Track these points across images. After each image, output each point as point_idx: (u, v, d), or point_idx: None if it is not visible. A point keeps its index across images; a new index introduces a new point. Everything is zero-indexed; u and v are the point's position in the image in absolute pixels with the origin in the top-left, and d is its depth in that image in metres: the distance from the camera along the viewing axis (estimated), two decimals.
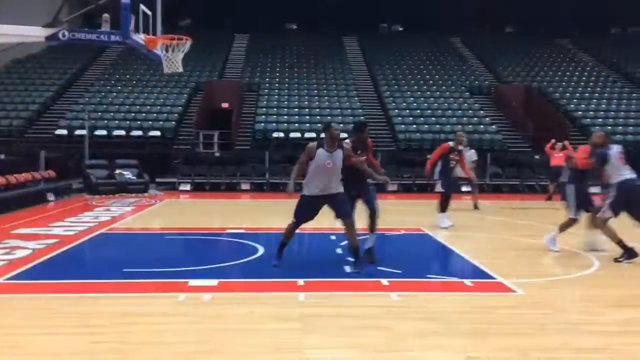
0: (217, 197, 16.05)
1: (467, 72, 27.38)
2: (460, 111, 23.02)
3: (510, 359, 3.92)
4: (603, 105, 23.78)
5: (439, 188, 10.49)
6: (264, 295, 5.49)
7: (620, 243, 7.04)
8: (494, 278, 6.24)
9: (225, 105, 23.22)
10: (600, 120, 22.45)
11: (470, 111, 23.12)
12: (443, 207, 10.08)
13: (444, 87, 25.32)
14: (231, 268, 6.70)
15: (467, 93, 24.81)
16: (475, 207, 13.12)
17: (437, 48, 30.17)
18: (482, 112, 23.13)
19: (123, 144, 19.74)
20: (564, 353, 4.04)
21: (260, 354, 3.95)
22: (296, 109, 22.86)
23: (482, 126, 21.74)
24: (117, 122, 21.13)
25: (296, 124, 21.46)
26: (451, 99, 24.16)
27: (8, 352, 3.94)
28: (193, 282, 5.82)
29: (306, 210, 6.40)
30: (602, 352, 4.07)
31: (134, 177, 16.37)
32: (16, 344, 4.08)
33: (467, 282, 6.02)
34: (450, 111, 22.95)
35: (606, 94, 24.81)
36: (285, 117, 22.19)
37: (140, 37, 9.12)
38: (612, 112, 23.12)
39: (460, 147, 10.32)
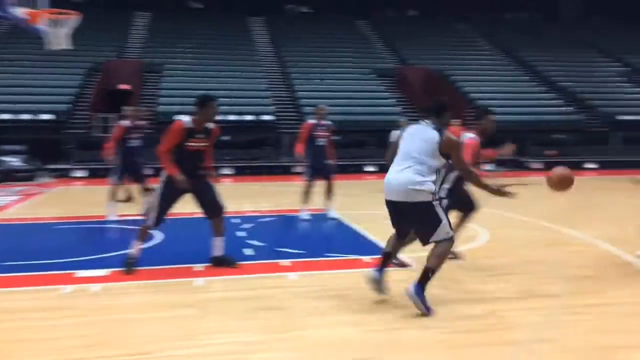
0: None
1: (372, 55, 27.87)
2: (366, 93, 23.44)
3: (400, 330, 4.02)
4: (497, 87, 25.13)
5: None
6: (159, 282, 5.27)
7: None
8: None
9: (124, 86, 22.10)
10: (496, 102, 23.71)
11: (375, 93, 23.60)
12: (306, 197, 8.81)
13: (350, 69, 25.62)
14: (125, 256, 6.37)
15: (372, 75, 25.28)
16: None
17: (344, 30, 30.44)
18: (387, 94, 23.68)
19: (10, 128, 18.25)
20: (453, 322, 4.20)
21: (153, 342, 3.78)
22: (202, 91, 22.10)
23: (386, 107, 22.27)
24: (2, 104, 19.48)
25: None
26: (357, 80, 24.52)
27: None
28: (81, 273, 5.48)
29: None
30: (487, 318, 4.28)
31: (22, 164, 15.19)
32: None
33: (366, 258, 6.12)
34: (356, 93, 23.29)
35: (500, 77, 26.23)
36: (191, 99, 21.30)
37: (21, 11, 8.42)
38: (506, 94, 24.48)
39: (324, 122, 9.04)
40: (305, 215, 8.82)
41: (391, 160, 4.57)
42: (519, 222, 8.47)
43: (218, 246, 5.77)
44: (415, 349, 3.71)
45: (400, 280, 5.33)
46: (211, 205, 5.72)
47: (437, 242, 4.39)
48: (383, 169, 18.75)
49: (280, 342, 3.81)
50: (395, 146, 4.66)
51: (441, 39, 30.19)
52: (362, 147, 19.58)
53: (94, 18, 26.34)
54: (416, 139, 4.43)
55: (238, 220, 8.22)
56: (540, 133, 21.17)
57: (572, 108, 23.31)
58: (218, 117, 17.78)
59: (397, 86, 25.20)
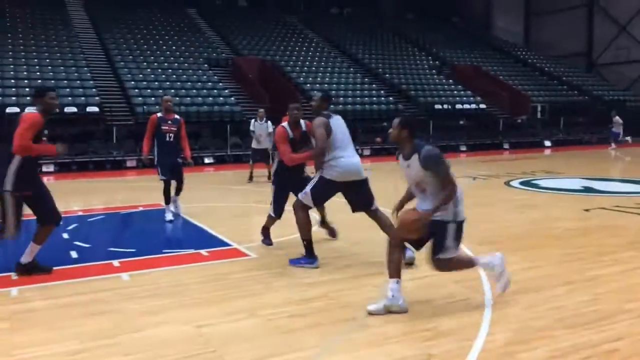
0: None
1: (204, 44, 27.35)
2: (199, 83, 22.94)
3: (238, 321, 4.08)
4: (327, 79, 26.27)
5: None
6: None
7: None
8: (229, 245, 6.43)
9: None
10: (324, 91, 24.78)
11: (209, 83, 23.22)
12: (166, 197, 8.05)
13: (182, 59, 24.85)
14: None
15: (205, 65, 24.83)
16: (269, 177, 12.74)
17: (173, 18, 29.41)
18: (221, 84, 23.44)
19: None
20: (288, 307, 4.36)
21: None
22: (12, 80, 19.96)
23: (221, 98, 22.07)
24: None
25: (12, 97, 18.77)
26: (190, 70, 23.89)
27: None
28: None
29: None
30: (321, 300, 4.51)
31: None
32: None
33: (204, 252, 6.07)
34: (189, 83, 22.69)
35: (329, 68, 27.45)
36: None
37: None
38: (335, 85, 25.71)
39: (175, 116, 8.01)
40: (169, 216, 8.03)
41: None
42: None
43: (28, 252, 5.26)
44: (253, 338, 3.78)
45: (241, 270, 5.39)
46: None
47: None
48: (220, 161, 18.66)
49: (110, 347, 3.63)
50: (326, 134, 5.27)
51: (273, 30, 30.67)
52: (197, 139, 19.18)
53: None
54: (345, 128, 5.50)
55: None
56: (367, 121, 22.65)
57: (392, 98, 25.24)
58: (34, 109, 16.03)
59: (231, 76, 25.08)
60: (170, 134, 7.87)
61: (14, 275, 5.19)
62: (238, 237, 6.81)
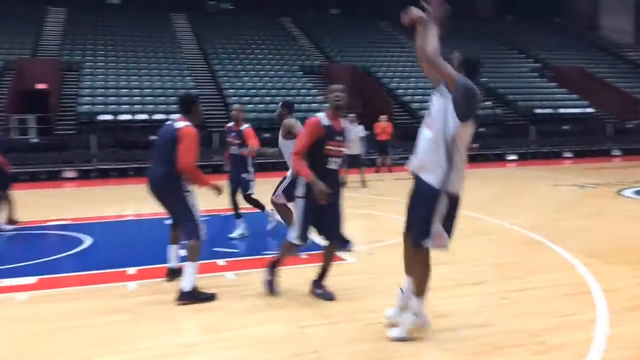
0: (36, 187, 14.56)
1: (298, 52, 28.00)
2: (294, 90, 23.52)
3: (339, 323, 4.13)
4: (421, 84, 25.94)
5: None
6: (89, 288, 5.11)
7: None
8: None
9: (41, 85, 20.98)
10: (419, 97, 24.47)
11: (303, 90, 23.74)
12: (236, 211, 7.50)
13: (277, 67, 25.61)
14: (53, 263, 6.13)
15: (299, 72, 25.41)
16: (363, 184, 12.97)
17: (269, 27, 30.36)
18: (314, 90, 23.87)
19: None
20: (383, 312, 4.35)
21: (84, 351, 3.68)
22: (125, 90, 21.50)
23: (315, 104, 22.45)
24: None
25: (126, 105, 20.21)
26: (285, 78, 24.56)
27: None
28: (5, 282, 5.22)
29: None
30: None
31: None
32: None
33: (303, 255, 6.19)
34: (284, 90, 23.32)
35: (423, 74, 27.04)
36: (113, 98, 20.75)
37: None
38: (429, 90, 25.31)
39: (245, 126, 7.39)
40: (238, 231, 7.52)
41: None
42: None
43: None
44: (352, 342, 3.82)
45: (340, 274, 5.47)
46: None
47: None
48: None
49: (219, 342, 3.82)
50: None
51: (364, 36, 30.78)
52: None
53: (3, 14, 24.87)
54: None
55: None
56: None
57: (490, 103, 24.44)
58: (143, 117, 17.33)
59: (324, 83, 25.45)
60: (234, 146, 7.38)
61: (129, 271, 5.58)
62: None
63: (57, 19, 28.20)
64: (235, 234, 7.34)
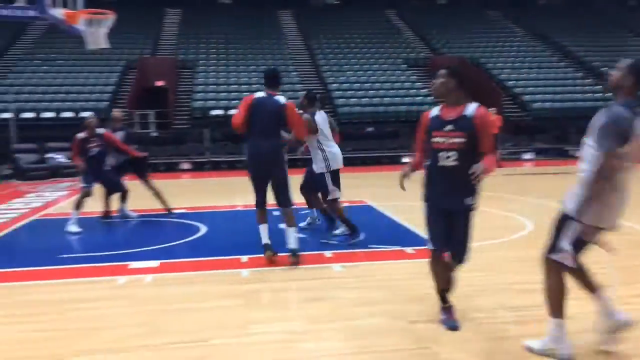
0: (156, 177, 15.60)
1: (403, 45, 27.67)
2: (398, 83, 23.32)
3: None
4: (533, 74, 24.67)
5: None
6: (206, 273, 5.43)
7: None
8: None
9: (160, 82, 22.51)
10: (530, 88, 23.29)
11: (407, 83, 23.46)
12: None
13: (381, 60, 25.51)
14: (173, 248, 6.58)
15: (404, 65, 25.12)
16: None
17: (373, 21, 30.29)
18: (419, 83, 23.50)
19: (54, 126, 18.82)
20: (499, 312, 4.22)
21: (204, 331, 3.92)
22: (235, 85, 22.48)
23: (419, 98, 22.12)
24: (45, 103, 20.11)
25: (236, 101, 21.11)
26: (388, 71, 24.41)
27: None
28: (134, 265, 5.69)
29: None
30: (531, 309, 4.25)
31: (67, 160, 15.68)
32: None
33: (409, 249, 6.16)
34: (388, 84, 23.19)
35: (536, 64, 25.72)
36: (224, 94, 21.78)
37: (59, 12, 8.67)
38: (542, 81, 24.01)
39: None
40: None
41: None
42: None
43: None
44: (465, 340, 3.74)
45: None
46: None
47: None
48: None
49: (329, 331, 3.90)
50: None
51: (472, 26, 29.76)
52: (395, 138, 19.50)
53: (127, 16, 26.88)
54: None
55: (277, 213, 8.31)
56: (581, 120, 20.69)
57: (611, 93, 22.69)
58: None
59: (429, 76, 24.96)
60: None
61: (243, 259, 5.84)
62: None
63: (173, 20, 30.06)
64: (338, 231, 7.20)
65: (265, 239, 5.67)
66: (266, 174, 5.57)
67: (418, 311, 4.26)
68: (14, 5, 8.36)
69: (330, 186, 6.43)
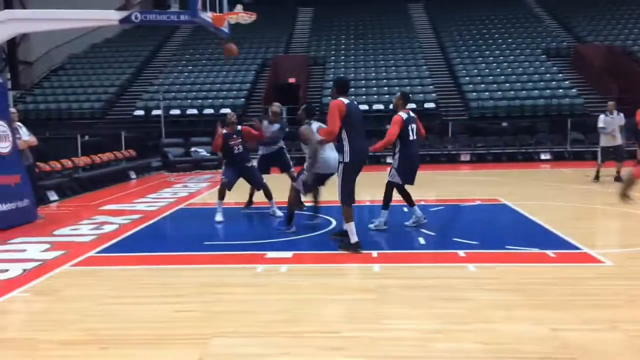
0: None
1: (542, 34, 25.99)
2: (536, 75, 21.96)
3: (598, 331, 3.76)
4: None
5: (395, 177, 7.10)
6: (338, 266, 5.54)
7: None
8: (578, 248, 5.98)
9: (292, 80, 23.32)
10: None
11: (547, 75, 22.00)
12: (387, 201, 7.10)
13: (517, 51, 24.19)
14: (305, 240, 6.79)
15: (543, 56, 23.59)
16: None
17: (509, 9, 28.79)
18: (560, 75, 21.95)
19: (196, 122, 20.33)
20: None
21: (338, 323, 4.00)
22: (363, 81, 22.62)
23: (561, 90, 20.66)
24: (189, 101, 21.77)
25: (363, 96, 21.26)
26: (526, 62, 23.07)
27: (102, 319, 4.20)
28: (270, 255, 5.96)
29: None
30: None
31: (208, 154, 16.86)
32: (109, 312, 4.34)
33: (550, 252, 5.79)
34: (525, 76, 21.94)
35: None
36: (353, 89, 21.99)
37: (207, 15, 9.28)
38: None
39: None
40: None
41: None
42: None
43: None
44: (615, 353, 3.44)
45: (593, 277, 4.99)
46: None
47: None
48: (558, 157, 17.44)
49: (465, 333, 3.78)
50: None
51: (622, 12, 27.15)
52: (533, 134, 18.39)
53: (261, 16, 28.15)
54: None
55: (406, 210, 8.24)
56: None
57: None
58: (380, 107, 17.96)
59: (572, 66, 23.22)
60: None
61: (373, 254, 5.88)
62: (587, 240, 6.28)
63: (305, 18, 30.94)
64: (409, 222, 7.36)
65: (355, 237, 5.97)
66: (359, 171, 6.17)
67: (560, 318, 3.99)
68: (170, 11, 9.10)
69: (300, 179, 6.82)
